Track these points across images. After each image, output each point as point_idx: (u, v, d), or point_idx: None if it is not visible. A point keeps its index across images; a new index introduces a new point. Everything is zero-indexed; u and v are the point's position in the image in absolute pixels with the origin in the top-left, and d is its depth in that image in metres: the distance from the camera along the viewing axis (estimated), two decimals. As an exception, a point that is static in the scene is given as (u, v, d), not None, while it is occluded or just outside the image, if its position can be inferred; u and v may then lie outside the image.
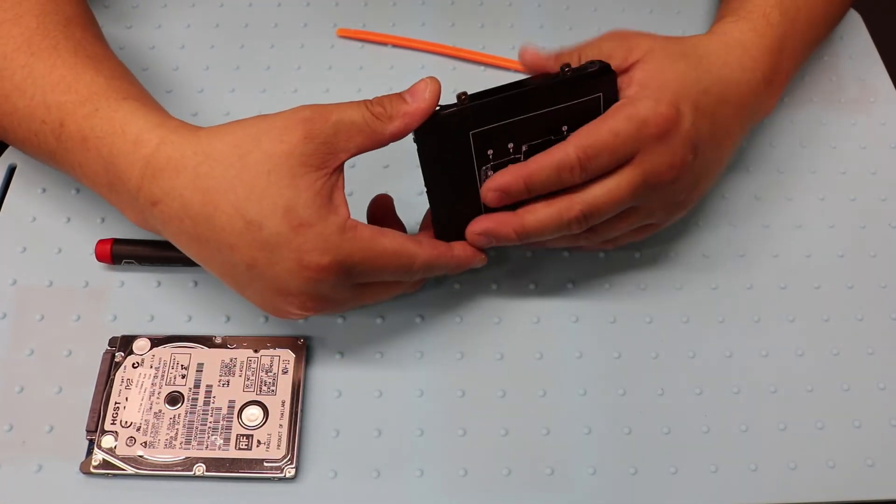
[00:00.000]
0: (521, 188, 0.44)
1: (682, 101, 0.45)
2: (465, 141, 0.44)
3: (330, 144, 0.42)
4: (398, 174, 0.54)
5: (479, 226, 0.46)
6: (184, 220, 0.42)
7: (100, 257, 0.51)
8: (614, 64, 0.45)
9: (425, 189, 0.45)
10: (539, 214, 0.45)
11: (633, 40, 0.47)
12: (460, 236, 0.47)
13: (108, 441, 0.45)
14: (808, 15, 0.54)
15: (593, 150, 0.43)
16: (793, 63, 0.54)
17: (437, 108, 0.43)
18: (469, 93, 0.43)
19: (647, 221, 0.48)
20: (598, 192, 0.44)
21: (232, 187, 0.41)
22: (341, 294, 0.44)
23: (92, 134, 0.44)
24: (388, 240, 0.43)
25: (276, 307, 0.44)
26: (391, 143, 0.44)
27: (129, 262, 0.51)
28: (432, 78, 0.43)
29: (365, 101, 0.43)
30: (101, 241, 0.51)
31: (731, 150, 0.51)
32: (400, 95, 0.43)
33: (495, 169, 0.45)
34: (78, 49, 0.47)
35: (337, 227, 0.41)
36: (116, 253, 0.51)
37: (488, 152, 0.45)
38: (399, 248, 0.43)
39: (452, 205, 0.46)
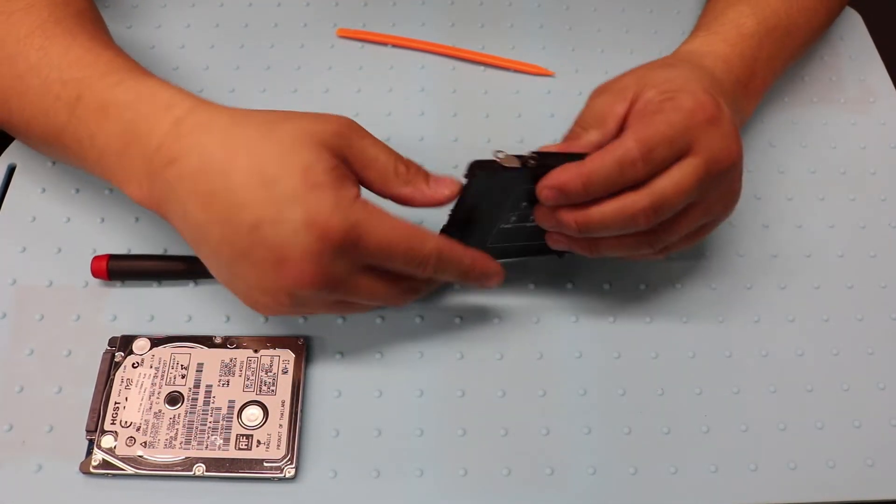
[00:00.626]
0: (579, 187, 0.43)
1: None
2: (510, 191, 0.45)
3: (347, 162, 0.43)
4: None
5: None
6: (197, 175, 0.42)
7: (96, 274, 0.51)
8: (616, 109, 0.45)
9: (449, 212, 0.45)
10: (605, 207, 0.44)
11: (616, 83, 0.47)
12: None
13: (107, 441, 0.45)
14: (787, 22, 0.54)
15: (653, 142, 0.43)
16: (770, 70, 0.54)
17: (500, 155, 0.42)
18: (537, 150, 0.43)
19: (707, 219, 0.47)
20: (666, 183, 0.43)
21: (257, 146, 0.42)
22: (343, 267, 0.42)
23: (114, 101, 0.45)
24: (399, 221, 0.42)
25: (269, 285, 0.42)
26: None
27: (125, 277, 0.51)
28: (457, 184, 0.44)
29: (398, 155, 0.45)
30: (96, 258, 0.50)
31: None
32: (426, 173, 0.45)
33: (520, 218, 0.46)
34: (94, 35, 0.48)
35: (353, 195, 0.42)
36: (113, 269, 0.50)
37: (522, 204, 0.46)
38: (411, 230, 0.43)
39: (466, 236, 0.46)
